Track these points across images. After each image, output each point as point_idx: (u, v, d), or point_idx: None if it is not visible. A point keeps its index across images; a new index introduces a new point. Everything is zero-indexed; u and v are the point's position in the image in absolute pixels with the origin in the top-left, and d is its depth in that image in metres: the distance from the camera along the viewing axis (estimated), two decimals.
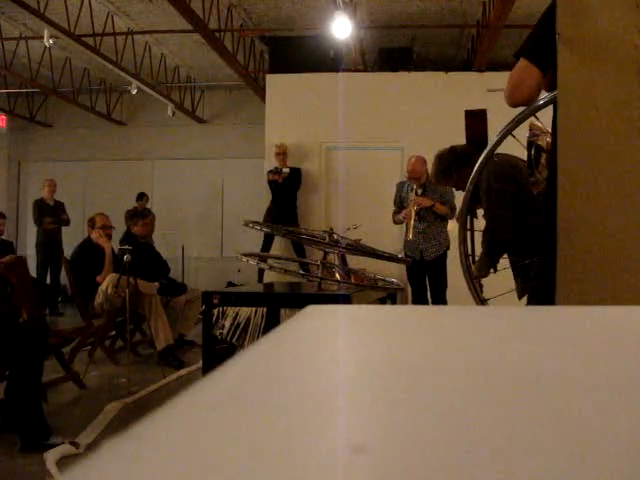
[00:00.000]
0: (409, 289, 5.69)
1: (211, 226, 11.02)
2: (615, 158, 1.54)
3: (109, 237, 5.15)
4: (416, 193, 5.11)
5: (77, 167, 11.23)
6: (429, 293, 5.32)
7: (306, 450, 0.26)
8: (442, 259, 5.19)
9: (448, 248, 5.16)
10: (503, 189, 2.73)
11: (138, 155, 11.24)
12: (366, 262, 4.97)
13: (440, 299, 5.22)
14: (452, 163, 3.08)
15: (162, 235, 9.40)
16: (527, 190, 2.66)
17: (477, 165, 2.55)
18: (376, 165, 7.73)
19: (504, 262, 2.93)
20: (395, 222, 5.42)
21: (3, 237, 6.41)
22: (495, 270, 2.87)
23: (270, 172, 7.54)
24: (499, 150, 2.54)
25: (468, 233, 2.72)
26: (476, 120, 2.98)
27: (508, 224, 2.77)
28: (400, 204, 5.33)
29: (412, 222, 4.97)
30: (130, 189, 10.62)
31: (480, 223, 2.84)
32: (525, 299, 2.83)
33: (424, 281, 5.30)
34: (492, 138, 2.48)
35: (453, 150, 3.12)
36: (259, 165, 8.26)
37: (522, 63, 1.87)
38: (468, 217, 2.69)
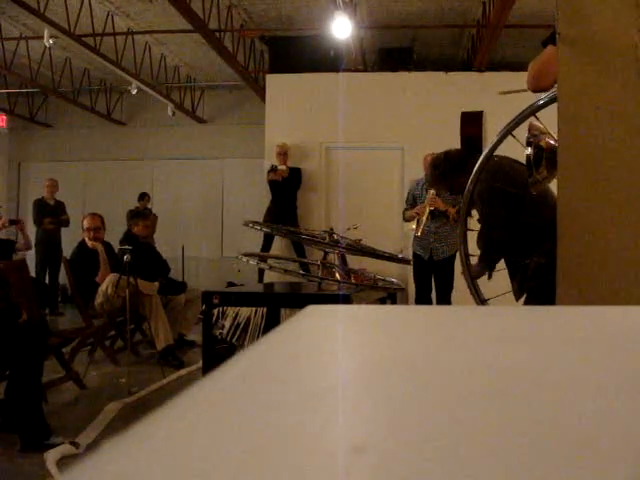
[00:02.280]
0: (410, 289, 5.68)
1: (211, 226, 11.02)
2: (615, 158, 1.54)
3: (98, 238, 5.12)
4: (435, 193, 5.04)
5: (77, 167, 11.23)
6: (434, 293, 5.30)
7: (306, 450, 0.26)
8: (451, 260, 5.17)
9: (457, 250, 5.13)
10: (496, 191, 2.75)
11: (138, 155, 11.24)
12: (366, 262, 4.97)
13: (445, 300, 5.21)
14: (446, 169, 3.14)
15: (162, 235, 9.41)
16: (521, 191, 2.70)
17: (477, 164, 2.56)
18: (376, 165, 7.73)
19: (501, 264, 2.95)
20: (405, 219, 5.35)
21: (3, 237, 6.42)
22: (490, 275, 2.88)
23: (269, 171, 7.55)
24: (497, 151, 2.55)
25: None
26: (472, 122, 3.01)
27: (502, 226, 2.79)
28: (413, 202, 5.28)
29: (424, 219, 4.93)
30: (130, 189, 10.63)
31: (472, 224, 2.87)
32: (523, 300, 2.86)
33: (430, 281, 5.28)
34: (493, 138, 2.48)
35: (447, 156, 3.18)
36: (259, 165, 8.26)
37: (551, 50, 1.86)
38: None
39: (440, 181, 3.23)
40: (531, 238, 2.78)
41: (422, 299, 5.29)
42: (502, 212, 2.75)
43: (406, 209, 5.33)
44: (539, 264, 2.70)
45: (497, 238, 2.84)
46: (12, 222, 6.85)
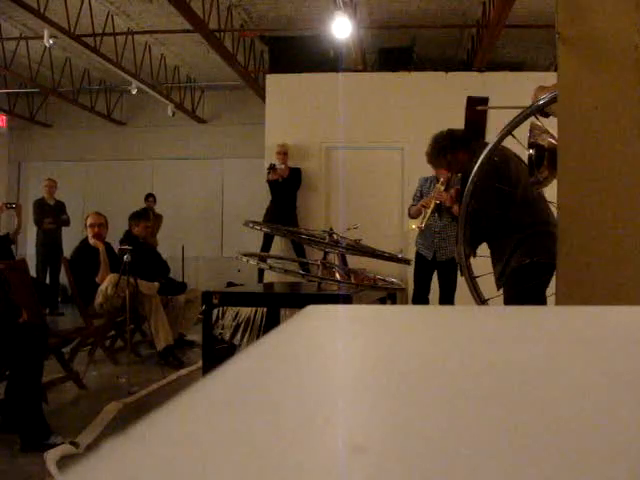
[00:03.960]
0: (410, 289, 5.65)
1: (211, 226, 11.02)
2: (615, 158, 1.54)
3: (100, 235, 5.13)
4: (445, 187, 4.96)
5: (77, 167, 11.23)
6: (439, 293, 5.26)
7: (306, 450, 0.26)
8: (454, 261, 5.12)
9: None
10: (489, 182, 2.77)
11: (138, 155, 11.24)
12: (366, 262, 4.96)
13: (449, 300, 5.18)
14: (448, 145, 3.15)
15: (162, 235, 9.41)
16: (511, 183, 2.77)
17: (478, 164, 2.56)
18: (376, 165, 7.73)
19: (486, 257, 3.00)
20: (411, 215, 5.26)
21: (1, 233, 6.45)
22: (474, 255, 2.91)
23: (268, 170, 7.54)
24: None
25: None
26: (476, 106, 3.02)
27: (492, 214, 2.83)
28: (420, 198, 5.20)
29: (429, 212, 4.85)
30: (130, 189, 10.64)
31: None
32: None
33: (429, 282, 5.24)
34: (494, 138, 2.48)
35: (450, 132, 3.19)
36: (259, 165, 8.26)
37: None
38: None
39: (439, 154, 3.24)
40: (515, 229, 2.84)
41: (419, 299, 5.25)
42: (493, 201, 2.78)
43: (413, 205, 5.24)
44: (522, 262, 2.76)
45: (485, 226, 2.86)
46: (9, 206, 6.87)
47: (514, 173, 2.87)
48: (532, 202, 2.88)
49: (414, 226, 5.06)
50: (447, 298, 5.17)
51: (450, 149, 3.14)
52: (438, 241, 5.08)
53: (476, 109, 3.08)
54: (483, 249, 2.99)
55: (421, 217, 4.89)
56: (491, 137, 3.24)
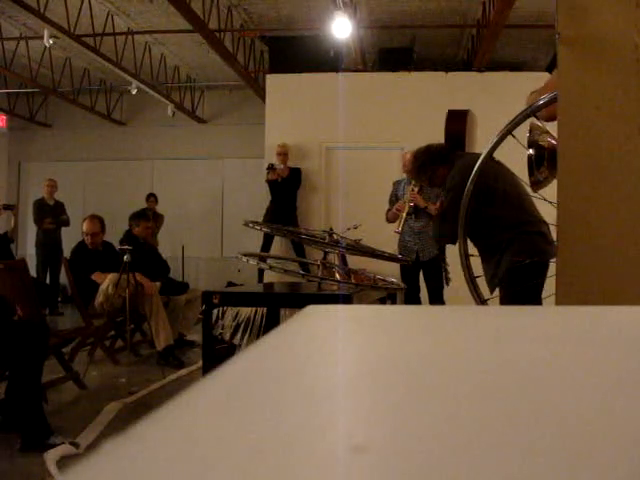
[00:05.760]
0: None
1: (211, 226, 11.02)
2: (615, 158, 1.54)
3: (95, 243, 5.09)
4: (419, 189, 4.98)
5: (77, 167, 11.22)
6: (427, 293, 5.29)
7: (306, 450, 0.26)
8: (437, 259, 5.15)
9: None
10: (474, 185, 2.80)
11: (138, 155, 11.24)
12: (366, 262, 4.96)
13: (438, 299, 5.20)
14: (427, 160, 3.21)
15: (162, 235, 9.42)
16: (490, 185, 2.81)
17: (477, 164, 2.56)
18: (376, 165, 7.72)
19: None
20: (388, 219, 5.29)
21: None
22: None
23: (267, 171, 7.53)
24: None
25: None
26: (456, 119, 3.13)
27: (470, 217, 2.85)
28: (395, 202, 5.23)
29: (404, 214, 4.88)
30: (130, 189, 10.64)
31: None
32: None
33: (417, 281, 5.26)
34: (492, 138, 2.48)
35: (429, 148, 3.25)
36: (259, 165, 8.26)
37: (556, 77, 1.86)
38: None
39: (419, 172, 3.31)
40: (502, 230, 2.86)
41: (411, 300, 5.25)
42: (472, 204, 2.79)
43: (389, 209, 5.26)
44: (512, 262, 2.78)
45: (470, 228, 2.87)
46: (7, 207, 6.90)
47: (492, 180, 2.90)
48: (516, 202, 2.90)
49: (393, 231, 5.07)
50: (436, 296, 5.19)
51: (429, 165, 3.21)
52: (418, 242, 5.11)
53: (456, 122, 3.17)
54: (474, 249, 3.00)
55: (398, 221, 4.93)
56: (474, 149, 3.29)
